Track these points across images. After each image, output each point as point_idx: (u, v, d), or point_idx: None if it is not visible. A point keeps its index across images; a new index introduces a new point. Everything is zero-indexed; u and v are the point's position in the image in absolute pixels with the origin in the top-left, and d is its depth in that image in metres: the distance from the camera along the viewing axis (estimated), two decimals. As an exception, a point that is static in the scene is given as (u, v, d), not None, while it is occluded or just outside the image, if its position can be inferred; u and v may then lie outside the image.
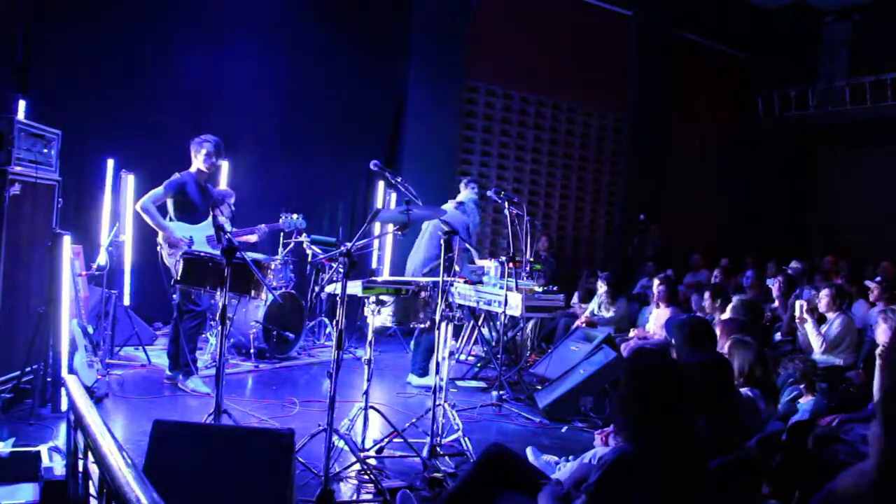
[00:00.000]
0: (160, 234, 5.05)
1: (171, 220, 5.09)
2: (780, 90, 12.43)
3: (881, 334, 4.53)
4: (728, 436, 2.63)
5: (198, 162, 5.14)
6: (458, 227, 5.63)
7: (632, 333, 6.78)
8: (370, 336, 4.04)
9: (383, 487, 3.41)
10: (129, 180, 6.12)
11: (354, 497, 3.47)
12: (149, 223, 5.02)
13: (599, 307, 7.50)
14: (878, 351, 4.12)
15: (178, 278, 4.44)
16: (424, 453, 3.89)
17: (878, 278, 7.23)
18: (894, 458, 1.49)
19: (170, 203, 5.09)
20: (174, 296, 5.06)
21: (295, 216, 5.92)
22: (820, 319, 5.51)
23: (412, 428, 4.15)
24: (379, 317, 4.09)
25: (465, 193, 6.11)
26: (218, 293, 4.33)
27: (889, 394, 1.57)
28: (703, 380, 2.70)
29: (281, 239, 6.73)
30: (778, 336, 6.09)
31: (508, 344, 6.45)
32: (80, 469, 2.12)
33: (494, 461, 2.91)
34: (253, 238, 5.59)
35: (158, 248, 5.11)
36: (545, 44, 10.06)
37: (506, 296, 5.61)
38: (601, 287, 7.32)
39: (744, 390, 3.40)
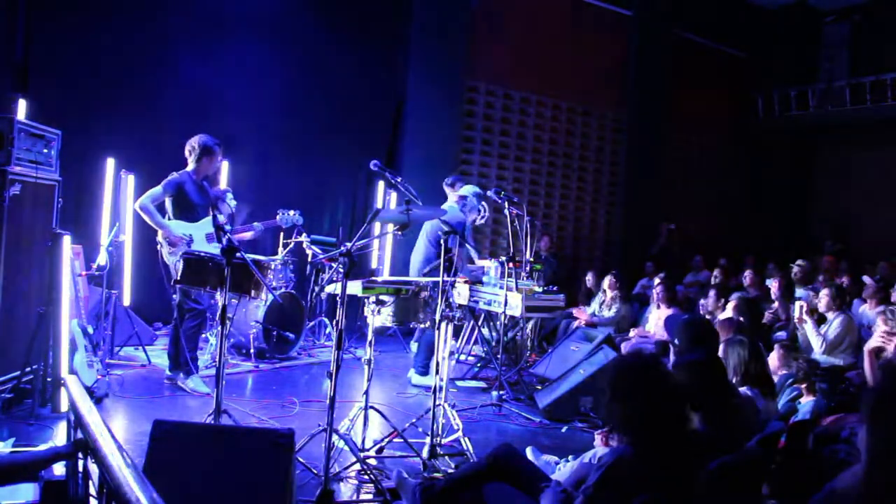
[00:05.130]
0: (160, 232, 5.06)
1: (169, 218, 5.09)
2: (780, 90, 12.43)
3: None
4: (727, 435, 2.63)
5: (196, 164, 5.16)
6: (457, 226, 5.64)
7: (632, 333, 6.79)
8: (370, 336, 4.04)
9: (383, 487, 3.41)
10: (129, 180, 6.12)
11: (354, 497, 3.47)
12: (148, 222, 5.03)
13: (600, 307, 7.51)
14: (865, 347, 4.10)
15: (178, 278, 4.44)
16: (424, 453, 3.89)
17: (877, 277, 7.23)
18: (880, 458, 1.49)
19: (168, 202, 5.10)
20: (174, 295, 5.06)
21: (292, 213, 5.93)
22: (820, 320, 5.51)
23: (412, 428, 4.15)
24: (379, 317, 4.09)
25: (467, 188, 6.10)
26: (218, 293, 4.33)
27: (874, 394, 1.58)
28: (700, 378, 2.70)
29: (281, 239, 6.73)
30: (778, 335, 6.09)
31: (508, 344, 6.45)
32: (80, 469, 2.12)
33: (503, 460, 2.93)
34: (248, 235, 5.60)
35: (159, 246, 5.11)
36: (545, 44, 10.05)
37: (506, 296, 5.61)
38: (606, 286, 7.33)
39: (742, 389, 3.40)
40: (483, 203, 6.14)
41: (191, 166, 5.17)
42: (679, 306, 6.77)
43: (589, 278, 8.68)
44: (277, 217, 5.88)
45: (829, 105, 11.90)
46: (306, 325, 6.65)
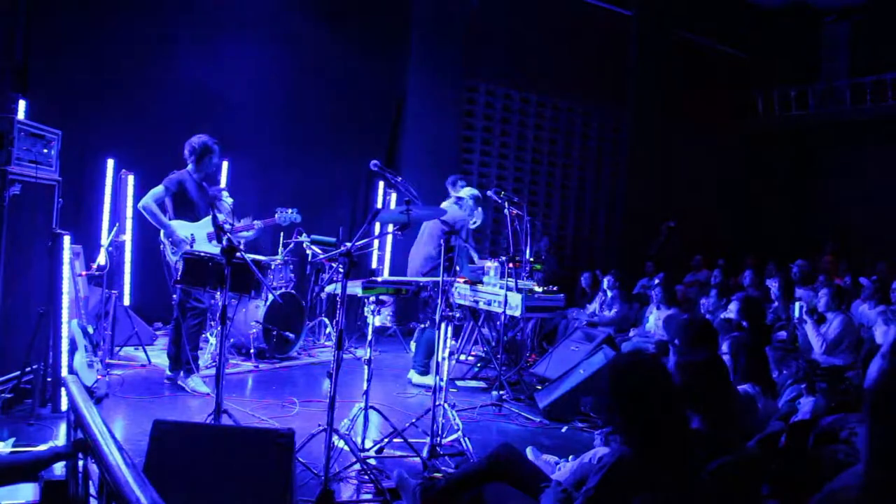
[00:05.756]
0: (162, 231, 5.06)
1: (170, 218, 5.10)
2: (780, 90, 12.43)
3: (881, 335, 4.53)
4: (727, 435, 2.63)
5: (196, 164, 5.17)
6: (457, 226, 5.64)
7: (632, 333, 6.79)
8: (370, 336, 4.04)
9: (383, 487, 3.41)
10: (129, 180, 6.13)
11: (354, 497, 3.47)
12: (150, 222, 5.04)
13: (601, 307, 7.52)
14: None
15: (178, 278, 4.45)
16: (424, 453, 3.89)
17: (874, 277, 7.24)
18: (880, 457, 1.49)
19: (168, 201, 5.10)
20: (174, 295, 5.06)
21: (290, 210, 5.94)
22: (820, 319, 5.51)
23: (412, 428, 4.14)
24: (379, 317, 4.09)
25: (466, 190, 6.11)
26: (218, 293, 4.34)
27: (875, 393, 1.57)
28: (700, 379, 2.70)
29: (281, 239, 6.73)
30: (778, 335, 6.10)
31: (508, 344, 6.45)
32: (80, 469, 2.12)
33: (503, 460, 2.93)
34: (248, 233, 5.60)
35: (161, 246, 5.12)
36: (545, 44, 10.05)
37: (506, 296, 5.61)
38: (606, 286, 7.34)
39: (742, 387, 3.40)
40: (479, 209, 6.12)
41: (190, 166, 5.17)
42: (679, 306, 6.78)
43: (584, 279, 8.67)
44: (276, 215, 5.89)
45: (829, 105, 11.90)
46: (306, 325, 6.65)
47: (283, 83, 7.84)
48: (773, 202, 12.67)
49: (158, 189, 5.02)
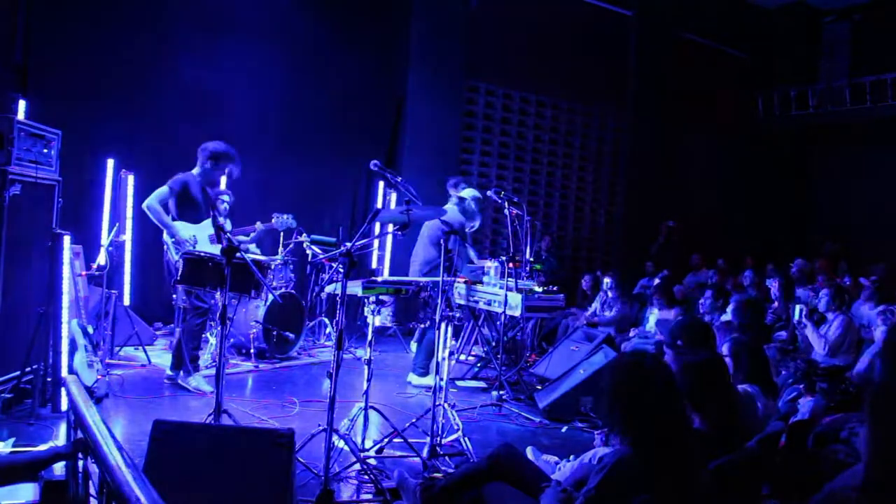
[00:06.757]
0: (165, 232, 5.07)
1: (173, 218, 5.11)
2: (780, 90, 12.43)
3: (880, 335, 4.53)
4: (727, 435, 2.64)
5: (208, 169, 5.19)
6: (457, 226, 5.64)
7: (632, 333, 6.79)
8: (370, 336, 4.04)
9: (383, 487, 3.41)
10: (129, 180, 6.13)
11: (354, 497, 3.47)
12: (154, 222, 5.04)
13: (602, 307, 7.52)
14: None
15: (178, 278, 4.45)
16: (424, 453, 3.89)
17: (874, 277, 7.25)
18: (880, 457, 1.50)
19: (172, 202, 5.11)
20: (174, 295, 5.06)
21: (286, 216, 5.97)
22: (820, 319, 5.51)
23: (412, 428, 4.15)
24: (379, 317, 4.09)
25: (467, 191, 6.11)
26: (218, 293, 4.34)
27: (876, 394, 1.58)
28: (700, 379, 2.70)
29: (281, 239, 6.74)
30: (778, 335, 6.10)
31: (508, 344, 6.45)
32: (80, 469, 2.12)
33: (503, 460, 2.94)
34: (247, 238, 5.62)
35: (165, 246, 5.12)
36: (545, 44, 10.04)
37: (506, 296, 5.61)
38: (606, 286, 7.35)
39: (742, 387, 3.40)
40: (479, 212, 6.11)
41: (198, 168, 5.19)
42: (679, 306, 6.78)
43: (585, 281, 8.67)
44: (273, 220, 5.93)
45: (829, 105, 11.89)
46: (306, 325, 6.65)
47: (283, 83, 7.84)
48: (773, 202, 12.66)
49: (163, 190, 5.03)
